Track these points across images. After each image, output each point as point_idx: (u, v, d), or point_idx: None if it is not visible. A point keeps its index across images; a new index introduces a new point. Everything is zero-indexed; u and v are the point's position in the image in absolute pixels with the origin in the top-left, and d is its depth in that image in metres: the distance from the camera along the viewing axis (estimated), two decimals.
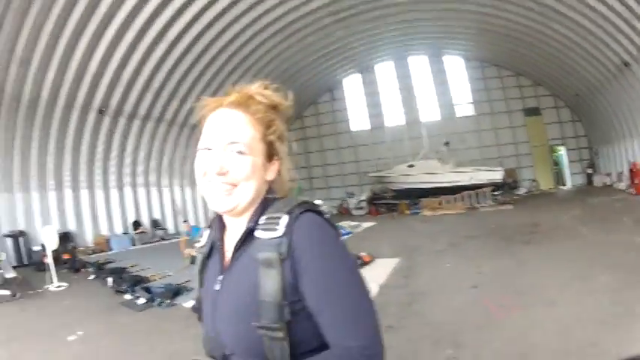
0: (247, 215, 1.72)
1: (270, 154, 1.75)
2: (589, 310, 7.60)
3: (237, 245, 1.69)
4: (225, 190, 1.65)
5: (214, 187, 1.66)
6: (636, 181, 23.60)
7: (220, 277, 1.73)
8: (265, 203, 1.73)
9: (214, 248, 1.84)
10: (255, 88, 1.78)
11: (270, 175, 1.76)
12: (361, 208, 32.74)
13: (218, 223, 1.83)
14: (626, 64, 22.44)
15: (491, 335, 7.00)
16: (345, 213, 33.45)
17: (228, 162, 1.64)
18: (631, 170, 24.85)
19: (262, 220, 1.65)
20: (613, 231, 14.75)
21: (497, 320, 7.73)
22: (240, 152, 1.65)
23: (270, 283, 1.55)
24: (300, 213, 1.62)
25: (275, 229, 1.59)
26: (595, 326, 6.87)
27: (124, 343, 8.40)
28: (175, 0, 20.26)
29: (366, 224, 25.38)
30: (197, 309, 1.87)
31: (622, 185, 26.71)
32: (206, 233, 1.93)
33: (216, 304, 1.71)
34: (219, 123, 1.69)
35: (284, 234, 1.58)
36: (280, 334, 1.53)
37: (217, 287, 1.72)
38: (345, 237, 20.49)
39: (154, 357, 7.62)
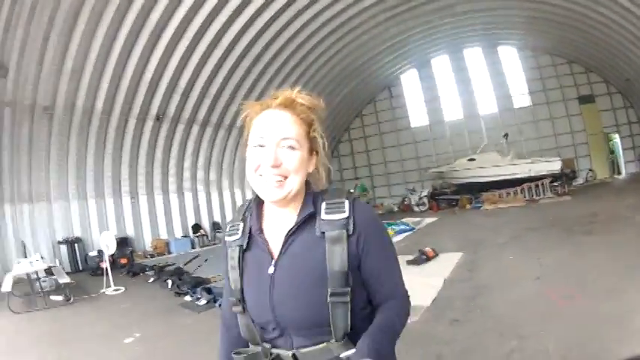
0: (294, 204, 2.03)
1: (312, 150, 2.05)
2: None
3: (292, 230, 1.99)
4: (277, 182, 1.91)
5: (267, 179, 1.92)
6: None
7: (273, 261, 2.00)
8: (313, 193, 2.07)
9: (253, 238, 2.07)
10: (296, 93, 2.03)
11: (311, 168, 2.06)
12: (423, 204, 32.59)
13: (256, 216, 2.08)
14: None
15: (554, 326, 6.98)
16: (406, 210, 33.41)
17: (281, 156, 1.93)
18: None
19: (324, 205, 1.99)
20: None
21: (560, 311, 7.70)
22: (291, 147, 1.94)
23: (338, 255, 1.91)
24: (354, 200, 2.03)
25: (342, 211, 1.96)
26: None
27: (183, 344, 8.53)
28: (229, 5, 20.46)
29: (428, 220, 25.27)
30: (240, 300, 2.06)
31: None
32: (238, 227, 2.13)
33: (274, 286, 1.97)
34: (271, 122, 1.96)
35: (349, 215, 1.95)
36: (347, 298, 1.90)
37: (271, 270, 1.99)
38: (409, 233, 20.92)
39: (215, 357, 7.50)
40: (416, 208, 32.74)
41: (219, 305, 10.68)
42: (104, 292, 13.91)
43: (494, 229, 18.38)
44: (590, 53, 30.88)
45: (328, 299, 1.90)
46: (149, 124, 22.20)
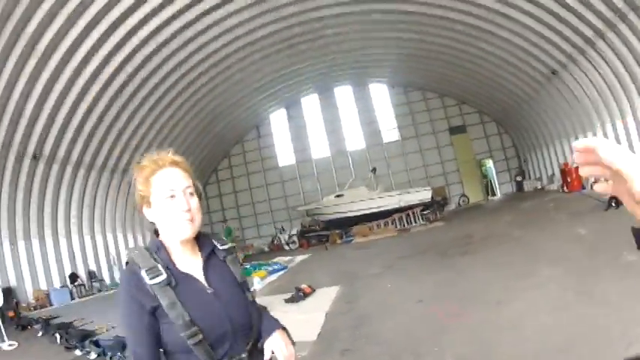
0: (192, 241, 2.48)
1: None
2: (538, 302, 7.99)
3: (206, 258, 2.50)
4: (189, 222, 2.37)
5: (182, 222, 2.35)
6: (568, 180, 24.54)
7: (205, 284, 2.41)
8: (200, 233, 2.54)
9: (175, 274, 2.34)
10: (172, 154, 2.51)
11: None
12: (293, 242, 32.67)
13: (168, 256, 2.40)
14: (554, 73, 23.35)
15: (448, 341, 7.17)
16: (277, 249, 33.43)
17: (189, 203, 2.38)
18: (562, 170, 25.90)
19: (214, 241, 2.60)
20: (548, 228, 15.41)
21: (449, 327, 7.89)
22: (191, 194, 2.43)
23: (238, 271, 2.57)
24: None
25: (227, 243, 2.65)
26: (547, 314, 7.24)
27: None
28: (108, 43, 20.08)
29: (300, 257, 25.36)
30: (199, 330, 2.25)
31: (554, 186, 27.68)
32: (157, 268, 2.32)
33: (220, 301, 2.39)
34: (174, 177, 2.41)
35: (231, 246, 2.66)
36: (254, 297, 2.59)
37: (210, 290, 2.39)
38: (282, 272, 20.86)
39: None
40: (286, 247, 32.78)
41: (111, 358, 10.72)
42: (1, 348, 13.25)
43: (368, 261, 18.73)
44: (464, 86, 32.41)
45: (250, 300, 2.54)
46: (26, 163, 20.91)
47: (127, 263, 2.45)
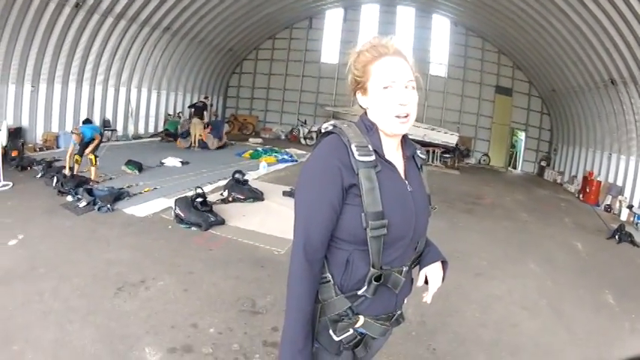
0: (399, 135, 2.39)
1: None
2: (513, 292, 8.16)
3: (407, 157, 2.49)
4: (403, 118, 2.27)
5: (394, 117, 2.26)
6: (587, 189, 24.15)
7: (406, 181, 2.37)
8: None
9: (380, 160, 2.25)
10: (393, 41, 2.42)
11: None
12: (310, 139, 32.99)
13: (379, 141, 2.32)
14: (613, 83, 22.55)
15: (416, 296, 6.87)
16: (293, 140, 34.24)
17: (408, 97, 2.27)
18: (585, 178, 25.45)
19: (413, 144, 2.56)
20: (552, 226, 15.33)
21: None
22: (413, 87, 2.29)
23: (426, 183, 2.54)
24: None
25: (422, 151, 2.66)
26: (517, 309, 7.46)
27: (61, 249, 8.45)
28: None
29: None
30: (382, 213, 2.17)
31: (572, 188, 27.17)
32: (368, 147, 2.24)
33: (415, 202, 2.35)
34: (395, 67, 2.29)
35: (426, 156, 2.67)
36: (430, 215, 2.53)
37: (410, 189, 2.36)
38: (290, 164, 21.28)
39: (90, 264, 7.77)
40: (303, 141, 33.47)
41: (99, 209, 11.22)
42: None
43: None
44: (525, 53, 31.37)
45: (431, 213, 2.54)
46: (66, 10, 20.60)
47: (327, 133, 2.42)
